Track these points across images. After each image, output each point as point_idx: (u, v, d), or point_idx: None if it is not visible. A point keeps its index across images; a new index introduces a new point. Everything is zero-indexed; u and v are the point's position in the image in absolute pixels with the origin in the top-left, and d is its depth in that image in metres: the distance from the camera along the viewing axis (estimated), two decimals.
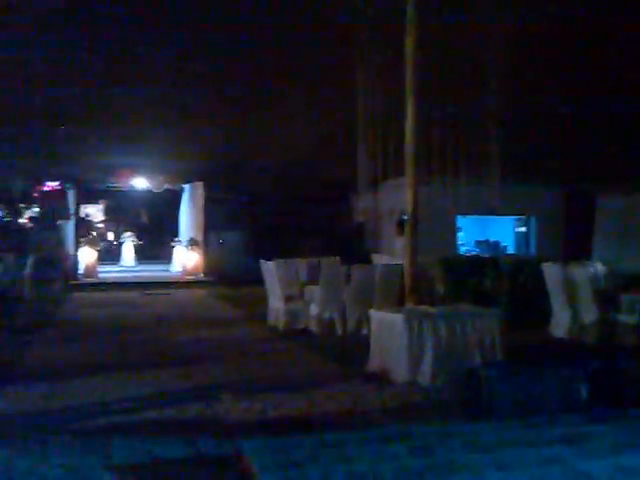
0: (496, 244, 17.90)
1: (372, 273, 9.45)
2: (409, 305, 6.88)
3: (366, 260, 12.40)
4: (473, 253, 16.81)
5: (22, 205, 19.56)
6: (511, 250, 17.90)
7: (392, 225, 15.73)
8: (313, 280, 9.56)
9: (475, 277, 10.56)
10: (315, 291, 9.28)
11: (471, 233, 18.16)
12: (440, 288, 10.23)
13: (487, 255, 15.41)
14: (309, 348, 8.24)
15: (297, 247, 15.16)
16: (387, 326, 6.54)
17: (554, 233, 16.66)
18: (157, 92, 9.95)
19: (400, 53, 7.23)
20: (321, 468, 3.93)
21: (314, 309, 9.22)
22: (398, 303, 8.17)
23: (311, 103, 10.96)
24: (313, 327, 9.22)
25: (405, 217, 7.20)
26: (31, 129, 12.11)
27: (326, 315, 9.10)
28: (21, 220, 19.37)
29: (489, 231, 18.69)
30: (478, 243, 18.06)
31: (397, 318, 6.36)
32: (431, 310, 6.64)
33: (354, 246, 17.48)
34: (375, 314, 6.89)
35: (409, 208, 7.16)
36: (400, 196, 8.62)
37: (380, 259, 12.24)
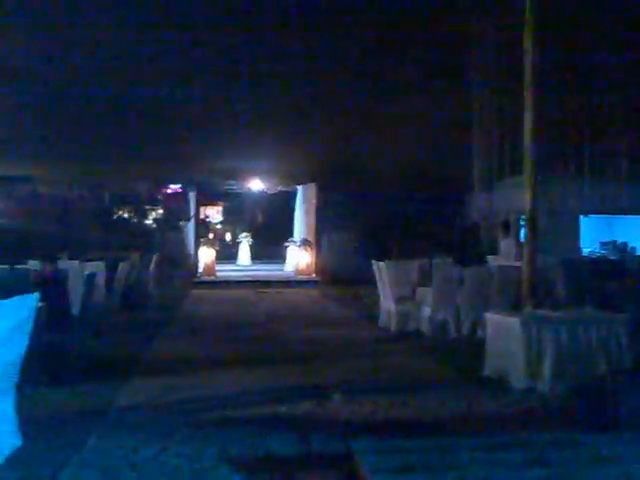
0: (623, 245, 16.80)
1: (487, 275, 9.16)
2: (527, 309, 6.58)
3: (481, 261, 12.04)
4: (598, 255, 15.87)
5: (147, 207, 20.75)
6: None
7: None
8: (425, 281, 9.41)
9: (600, 280, 9.95)
10: (427, 292, 9.12)
11: (596, 234, 17.15)
12: (561, 291, 9.73)
13: (613, 257, 14.50)
14: (421, 350, 8.10)
15: (409, 248, 14.98)
16: (504, 330, 6.29)
17: None
18: (273, 95, 10.16)
19: (518, 49, 6.95)
20: (432, 474, 3.83)
21: (426, 311, 9.07)
22: (515, 306, 7.85)
23: (426, 101, 10.78)
24: (425, 329, 9.06)
25: (509, 219, 6.93)
26: (155, 135, 12.77)
27: (439, 317, 8.91)
28: (146, 221, 20.55)
29: (616, 231, 17.57)
30: (603, 244, 17.03)
31: (514, 322, 6.10)
32: (551, 314, 6.32)
33: (468, 247, 17.04)
34: (491, 317, 6.65)
35: (528, 208, 6.86)
36: (518, 195, 8.27)
37: (496, 260, 11.84)
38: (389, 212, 18.38)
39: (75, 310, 7.33)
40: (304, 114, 11.45)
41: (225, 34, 7.32)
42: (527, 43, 6.76)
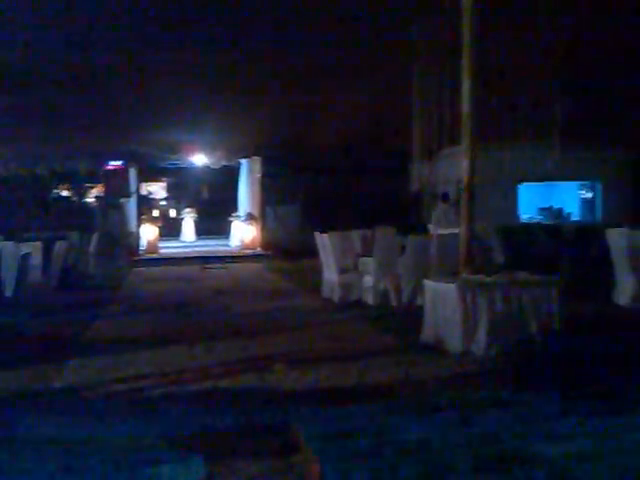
0: (559, 211, 17.31)
1: (427, 243, 9.29)
2: (464, 275, 6.72)
3: (423, 230, 12.20)
4: (535, 220, 16.30)
5: (87, 185, 20.23)
6: (576, 217, 17.28)
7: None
8: (368, 251, 9.49)
9: (536, 245, 10.25)
10: (369, 262, 9.21)
11: (535, 200, 17.59)
12: (498, 257, 9.99)
13: (549, 222, 14.92)
14: (363, 319, 8.20)
15: (353, 219, 15.06)
16: (441, 296, 6.42)
17: (621, 199, 15.98)
18: (214, 67, 9.95)
19: (455, 15, 6.95)
20: (370, 438, 3.90)
21: (368, 280, 9.17)
22: (454, 273, 8.01)
23: (366, 74, 10.75)
24: (367, 298, 9.17)
25: (448, 192, 7.00)
26: (94, 110, 12.40)
27: (380, 286, 9.03)
28: (86, 199, 20.04)
29: (554, 198, 18.07)
30: (541, 210, 17.51)
31: (451, 288, 6.23)
32: (486, 279, 6.47)
33: (410, 216, 17.26)
34: (429, 284, 6.77)
35: (466, 176, 6.94)
36: (457, 164, 8.38)
37: (436, 229, 12.01)
38: (333, 184, 18.39)
39: (8, 292, 7.11)
40: (246, 86, 11.25)
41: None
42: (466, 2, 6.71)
